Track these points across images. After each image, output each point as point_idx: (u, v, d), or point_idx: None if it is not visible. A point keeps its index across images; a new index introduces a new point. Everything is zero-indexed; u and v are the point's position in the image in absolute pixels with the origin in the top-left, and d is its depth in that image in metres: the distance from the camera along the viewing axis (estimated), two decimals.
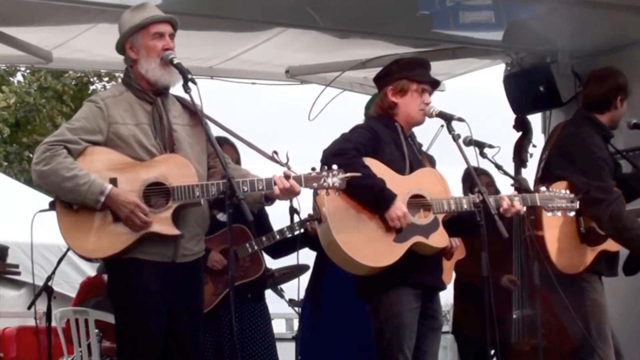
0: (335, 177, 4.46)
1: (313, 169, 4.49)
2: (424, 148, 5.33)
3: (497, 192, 6.60)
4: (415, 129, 5.11)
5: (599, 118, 5.51)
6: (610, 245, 5.39)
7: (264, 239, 5.96)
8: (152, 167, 4.40)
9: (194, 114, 4.60)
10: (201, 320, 4.62)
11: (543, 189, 5.09)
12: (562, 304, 5.20)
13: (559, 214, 5.07)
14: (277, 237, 5.96)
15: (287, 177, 4.40)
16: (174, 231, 4.38)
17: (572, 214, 5.10)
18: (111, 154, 4.41)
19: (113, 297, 4.55)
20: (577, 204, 5.09)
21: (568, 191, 5.12)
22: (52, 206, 4.53)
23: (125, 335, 4.45)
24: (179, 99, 4.64)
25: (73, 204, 4.35)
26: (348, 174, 4.49)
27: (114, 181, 4.36)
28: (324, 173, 4.46)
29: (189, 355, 4.52)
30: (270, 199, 4.52)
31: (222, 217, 5.71)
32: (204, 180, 4.47)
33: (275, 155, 4.47)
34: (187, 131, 4.58)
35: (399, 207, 4.71)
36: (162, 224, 4.36)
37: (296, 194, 4.46)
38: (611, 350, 5.32)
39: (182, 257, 4.47)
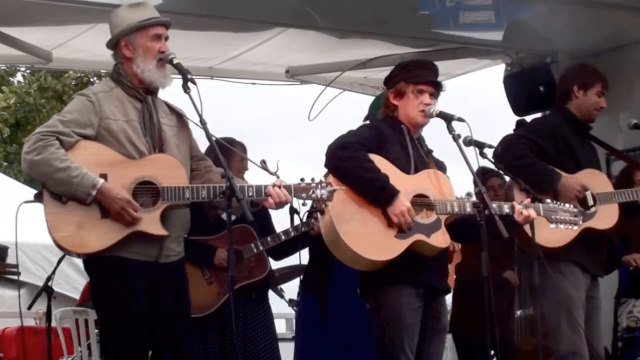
0: (324, 190, 4.47)
1: (302, 179, 4.48)
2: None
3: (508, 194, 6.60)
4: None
5: (567, 108, 5.62)
6: (597, 222, 5.39)
7: (269, 239, 5.96)
8: (142, 166, 4.38)
9: (180, 116, 4.60)
10: (189, 319, 4.58)
11: (548, 200, 5.10)
12: (541, 290, 5.26)
13: (562, 226, 5.06)
14: (283, 237, 5.96)
15: (276, 186, 4.40)
16: (162, 231, 4.36)
17: (575, 227, 5.10)
18: (102, 149, 4.37)
19: (96, 296, 4.50)
20: (580, 219, 5.09)
21: (572, 206, 5.13)
22: (37, 198, 4.50)
23: (109, 334, 4.43)
24: (164, 102, 4.63)
25: (62, 196, 4.32)
26: (336, 187, 4.53)
27: (103, 177, 4.32)
28: (313, 185, 4.46)
29: (179, 353, 4.48)
30: (256, 205, 4.51)
31: (225, 216, 5.70)
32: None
33: (264, 164, 4.48)
34: (174, 132, 4.56)
35: (402, 202, 4.71)
36: (150, 223, 4.33)
37: (287, 203, 4.47)
38: (581, 341, 5.33)
39: (166, 257, 4.45)
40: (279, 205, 4.43)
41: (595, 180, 5.51)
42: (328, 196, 4.47)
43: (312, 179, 4.48)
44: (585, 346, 5.36)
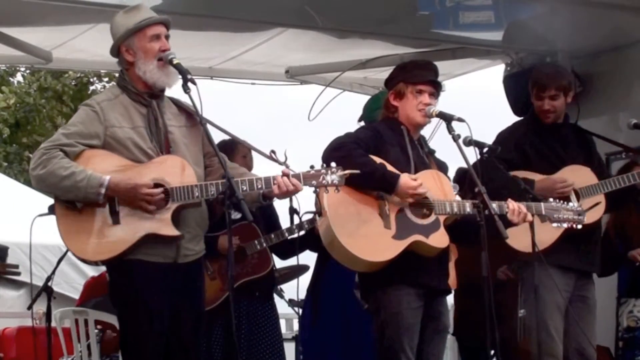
0: (334, 175, 4.46)
1: (312, 166, 4.49)
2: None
3: None
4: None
5: (533, 111, 5.71)
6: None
7: (272, 236, 5.97)
8: (150, 169, 4.40)
9: (191, 115, 4.60)
10: (203, 321, 4.62)
11: (551, 199, 5.09)
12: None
13: (565, 225, 5.05)
14: (286, 235, 5.96)
15: (285, 175, 4.40)
16: (174, 232, 4.37)
17: (579, 226, 5.08)
18: (109, 156, 4.40)
19: (115, 298, 4.54)
20: (584, 217, 5.07)
21: (576, 204, 5.12)
22: (51, 210, 4.52)
23: (129, 337, 4.45)
24: (174, 101, 4.64)
25: (76, 202, 4.34)
26: (347, 171, 4.49)
27: None
28: (323, 171, 4.46)
29: (189, 353, 4.51)
30: (268, 198, 4.51)
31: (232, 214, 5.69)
32: (201, 181, 4.47)
33: (273, 155, 4.48)
34: (184, 132, 4.58)
35: (408, 181, 4.70)
36: (162, 224, 4.35)
37: (297, 191, 4.47)
38: (555, 344, 5.36)
39: (184, 257, 4.47)
40: (286, 193, 4.43)
41: (577, 175, 5.49)
42: (339, 181, 4.46)
43: (322, 165, 4.48)
44: (560, 349, 5.37)
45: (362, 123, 5.97)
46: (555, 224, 5.04)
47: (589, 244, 5.53)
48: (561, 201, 5.11)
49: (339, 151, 4.71)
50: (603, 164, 5.78)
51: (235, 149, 5.87)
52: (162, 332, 4.41)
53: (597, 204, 5.43)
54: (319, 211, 4.80)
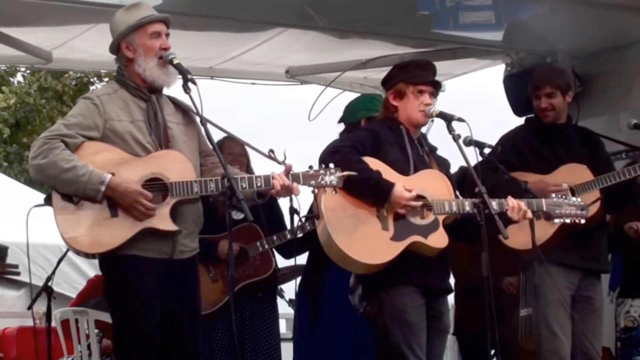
0: (333, 175, 4.47)
1: (310, 167, 4.50)
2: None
3: None
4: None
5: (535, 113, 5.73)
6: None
7: (274, 237, 5.95)
8: (149, 163, 4.40)
9: (187, 113, 4.61)
10: (199, 318, 4.61)
11: (553, 195, 5.08)
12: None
13: (568, 220, 5.03)
14: (289, 236, 5.95)
15: (288, 170, 4.40)
16: (173, 227, 4.37)
17: (583, 221, 5.06)
18: (108, 149, 4.40)
19: (110, 294, 4.52)
20: (587, 212, 5.05)
21: (579, 199, 5.11)
22: (47, 201, 4.51)
23: (123, 333, 4.44)
24: (172, 99, 4.65)
25: (73, 196, 4.33)
26: (345, 172, 4.50)
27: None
28: (322, 171, 4.47)
29: (187, 352, 4.51)
30: (262, 196, 4.51)
31: (234, 214, 5.70)
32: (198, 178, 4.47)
33: (271, 154, 4.48)
34: (182, 129, 4.59)
35: (401, 192, 4.70)
36: (160, 219, 4.35)
37: (293, 192, 4.47)
38: (559, 341, 5.35)
39: (180, 253, 4.47)
40: (285, 189, 4.43)
41: (574, 173, 5.48)
42: (337, 182, 4.48)
43: (321, 166, 4.48)
44: (565, 346, 5.36)
45: (343, 125, 5.95)
46: (557, 220, 5.02)
47: (592, 242, 5.50)
48: (563, 196, 5.09)
49: (335, 155, 4.70)
50: (612, 166, 5.74)
51: (224, 145, 5.85)
52: (156, 330, 4.39)
53: (597, 199, 5.42)
54: (316, 214, 4.79)
